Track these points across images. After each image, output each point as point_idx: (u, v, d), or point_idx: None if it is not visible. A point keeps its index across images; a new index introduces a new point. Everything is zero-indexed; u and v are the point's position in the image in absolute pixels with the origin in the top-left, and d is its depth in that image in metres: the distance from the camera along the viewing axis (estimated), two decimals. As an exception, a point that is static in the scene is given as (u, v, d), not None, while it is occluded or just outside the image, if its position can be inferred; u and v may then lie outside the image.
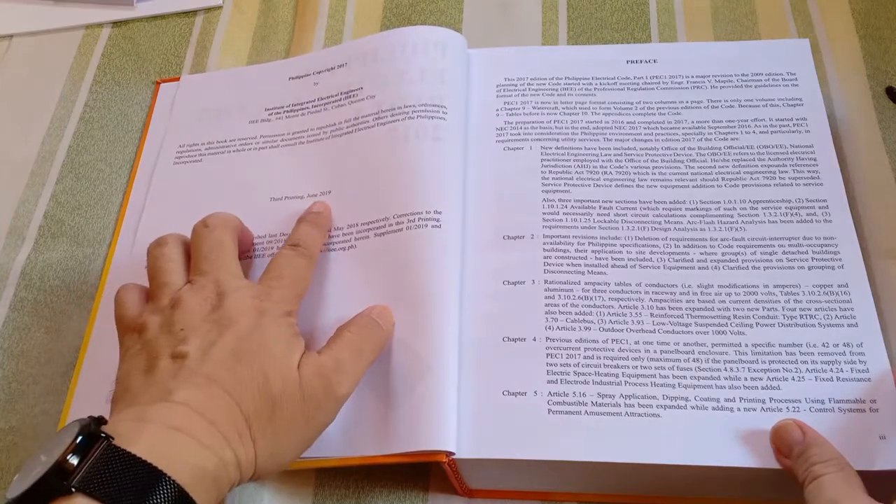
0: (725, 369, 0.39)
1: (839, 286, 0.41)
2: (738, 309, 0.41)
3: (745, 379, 0.39)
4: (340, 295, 0.43)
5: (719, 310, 0.41)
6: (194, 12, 0.60)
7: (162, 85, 0.56)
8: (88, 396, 0.44)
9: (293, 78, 0.53)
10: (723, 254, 0.43)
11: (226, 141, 0.51)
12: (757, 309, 0.41)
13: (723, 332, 0.40)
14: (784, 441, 0.36)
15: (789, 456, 0.36)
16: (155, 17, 0.60)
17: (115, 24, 0.60)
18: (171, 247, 0.41)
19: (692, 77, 0.50)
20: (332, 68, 0.52)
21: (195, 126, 0.53)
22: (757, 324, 0.40)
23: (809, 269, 0.42)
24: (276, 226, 0.46)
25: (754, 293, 0.41)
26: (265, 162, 0.50)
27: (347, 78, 0.51)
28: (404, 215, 0.44)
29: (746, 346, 0.40)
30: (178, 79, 0.56)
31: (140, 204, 0.50)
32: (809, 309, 0.40)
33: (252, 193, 0.48)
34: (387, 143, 0.47)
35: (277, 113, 0.52)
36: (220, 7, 0.60)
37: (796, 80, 0.49)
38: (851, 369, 0.39)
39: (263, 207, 0.48)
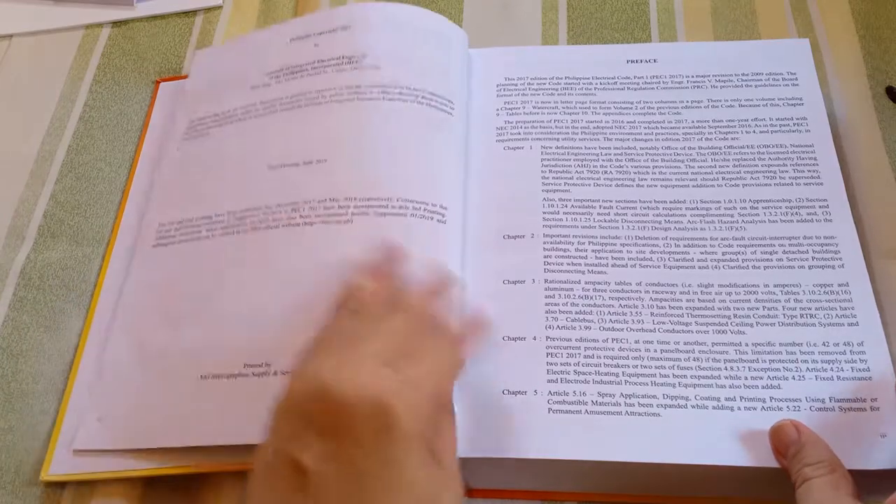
0: (726, 368, 0.39)
1: (839, 285, 0.41)
2: (738, 308, 0.41)
3: (746, 378, 0.39)
4: (332, 271, 0.42)
5: (719, 309, 0.41)
6: (194, 12, 0.60)
7: (162, 84, 0.56)
8: (87, 396, 0.44)
9: (294, 39, 0.52)
10: (723, 253, 0.43)
11: (229, 111, 0.51)
12: (757, 308, 0.41)
13: (723, 332, 0.40)
14: (781, 441, 0.36)
15: (786, 456, 0.36)
16: (155, 17, 0.60)
17: (115, 24, 0.60)
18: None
19: (692, 77, 0.50)
20: (334, 30, 0.51)
21: (205, 100, 0.52)
22: (757, 323, 0.40)
23: (810, 268, 0.42)
24: (274, 196, 0.46)
25: (754, 292, 0.41)
26: (264, 128, 0.49)
27: (350, 42, 0.50)
28: (409, 201, 0.43)
29: (747, 345, 0.40)
30: (177, 78, 0.56)
31: (140, 199, 0.50)
32: (810, 308, 0.40)
33: (250, 163, 0.48)
34: (392, 122, 0.46)
35: (277, 76, 0.51)
36: (220, 7, 0.60)
37: (796, 79, 0.49)
38: (852, 368, 0.39)
39: (261, 177, 0.47)
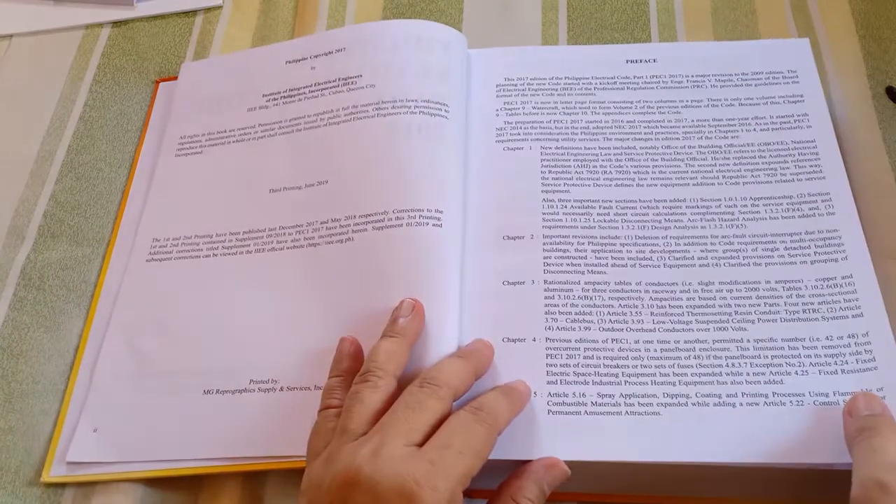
0: (727, 365, 0.39)
1: (843, 278, 0.41)
2: (739, 305, 0.41)
3: (748, 374, 0.39)
4: (337, 289, 0.43)
5: (720, 306, 0.41)
6: (194, 12, 0.60)
7: (161, 84, 0.56)
8: (87, 396, 0.44)
9: (290, 62, 0.53)
10: (723, 251, 0.43)
11: (225, 131, 0.51)
12: (759, 305, 0.41)
13: (724, 329, 0.40)
14: (859, 403, 0.36)
15: (852, 414, 0.35)
16: (155, 17, 0.60)
17: (115, 24, 0.60)
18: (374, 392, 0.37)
19: (692, 76, 0.50)
20: (331, 52, 0.52)
21: (196, 116, 0.53)
22: (759, 319, 0.40)
23: (812, 263, 0.42)
24: (277, 218, 0.46)
25: (756, 289, 0.41)
26: (263, 151, 0.50)
27: (346, 64, 0.51)
28: (405, 211, 0.43)
29: (748, 341, 0.40)
30: (177, 78, 0.56)
31: (139, 201, 0.51)
32: (812, 303, 0.40)
33: (251, 185, 0.48)
34: (387, 136, 0.47)
35: (275, 99, 0.51)
36: (220, 7, 0.60)
37: (797, 77, 0.49)
38: (857, 360, 0.38)
39: (263, 200, 0.47)
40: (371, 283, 0.42)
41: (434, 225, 0.43)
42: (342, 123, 0.48)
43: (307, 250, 0.45)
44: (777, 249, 0.42)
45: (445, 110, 0.47)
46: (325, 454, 0.35)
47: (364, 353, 0.40)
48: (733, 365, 0.39)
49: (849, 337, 0.39)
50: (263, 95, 0.52)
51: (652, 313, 0.41)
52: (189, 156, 0.51)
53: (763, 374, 0.39)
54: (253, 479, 0.42)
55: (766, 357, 0.39)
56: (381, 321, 0.40)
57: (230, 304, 0.45)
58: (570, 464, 0.37)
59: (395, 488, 0.32)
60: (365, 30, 0.51)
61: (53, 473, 0.42)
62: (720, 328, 0.40)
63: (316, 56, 0.52)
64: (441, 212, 0.43)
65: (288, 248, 0.45)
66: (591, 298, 0.42)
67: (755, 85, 0.49)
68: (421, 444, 0.34)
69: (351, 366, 0.39)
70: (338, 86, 0.50)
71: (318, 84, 0.51)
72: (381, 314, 0.40)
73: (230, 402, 0.42)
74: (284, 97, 0.51)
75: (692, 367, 0.39)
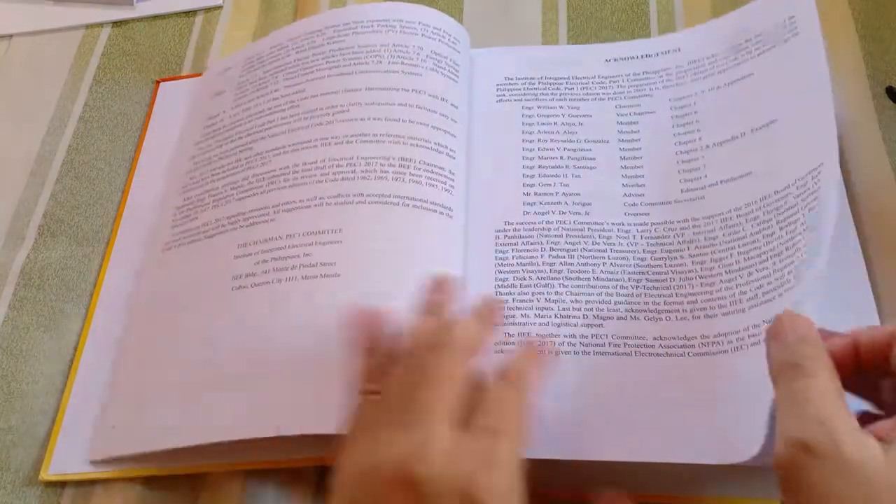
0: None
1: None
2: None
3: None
4: (338, 256, 0.42)
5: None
6: (194, 12, 0.60)
7: (162, 84, 0.56)
8: (86, 395, 0.44)
9: (307, 36, 0.52)
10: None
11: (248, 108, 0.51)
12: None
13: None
14: (784, 325, 0.31)
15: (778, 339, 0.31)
16: (155, 17, 0.60)
17: (115, 24, 0.60)
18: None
19: (692, 72, 0.49)
20: (338, 30, 0.51)
21: (222, 100, 0.53)
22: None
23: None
24: (281, 192, 0.46)
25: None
26: (269, 125, 0.49)
27: (357, 41, 0.50)
28: (413, 199, 0.44)
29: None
30: (177, 78, 0.56)
31: (141, 197, 0.51)
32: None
33: (254, 155, 0.48)
34: (398, 119, 0.47)
35: (294, 81, 0.51)
36: (220, 7, 0.60)
37: (796, 28, 0.47)
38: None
39: (268, 168, 0.47)
40: (374, 260, 0.42)
41: (447, 215, 0.44)
42: (351, 108, 0.48)
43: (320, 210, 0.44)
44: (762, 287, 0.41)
45: (452, 105, 0.48)
46: (366, 439, 0.31)
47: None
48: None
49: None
50: (286, 80, 0.51)
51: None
52: (214, 137, 0.51)
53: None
54: (253, 479, 0.41)
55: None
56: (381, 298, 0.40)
57: (233, 282, 0.44)
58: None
59: (457, 493, 0.29)
60: (372, 10, 0.51)
61: (52, 472, 0.42)
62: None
63: (323, 33, 0.51)
64: (450, 208, 0.44)
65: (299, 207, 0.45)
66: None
67: (751, 57, 0.48)
68: (464, 418, 0.31)
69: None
70: (345, 64, 0.49)
71: (329, 61, 0.50)
72: (381, 290, 0.41)
73: (236, 385, 0.41)
74: (301, 74, 0.51)
75: None
